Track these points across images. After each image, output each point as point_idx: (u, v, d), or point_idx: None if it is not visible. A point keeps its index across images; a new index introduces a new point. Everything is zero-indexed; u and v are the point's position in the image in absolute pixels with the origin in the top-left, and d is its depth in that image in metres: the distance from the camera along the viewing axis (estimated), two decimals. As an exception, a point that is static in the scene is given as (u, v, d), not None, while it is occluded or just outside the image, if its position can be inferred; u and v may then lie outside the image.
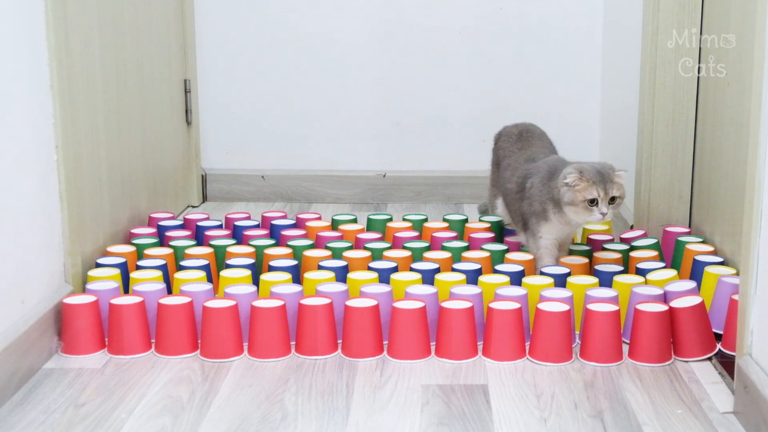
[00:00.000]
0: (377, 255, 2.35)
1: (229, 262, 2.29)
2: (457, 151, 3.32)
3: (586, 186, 2.11)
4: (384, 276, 2.19)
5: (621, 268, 2.26)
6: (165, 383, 1.85)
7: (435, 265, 2.24)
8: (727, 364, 1.90)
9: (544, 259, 2.27)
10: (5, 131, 1.84)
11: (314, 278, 2.13)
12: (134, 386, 1.84)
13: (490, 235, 2.52)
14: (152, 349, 2.00)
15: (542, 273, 2.21)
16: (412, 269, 2.24)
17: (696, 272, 2.21)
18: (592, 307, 1.95)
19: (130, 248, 2.36)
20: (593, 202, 2.11)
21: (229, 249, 2.37)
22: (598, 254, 2.36)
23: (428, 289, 2.09)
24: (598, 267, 2.25)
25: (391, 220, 2.67)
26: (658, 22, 2.47)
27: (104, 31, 2.38)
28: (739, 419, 1.69)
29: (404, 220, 2.69)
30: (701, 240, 2.40)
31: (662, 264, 2.29)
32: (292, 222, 2.65)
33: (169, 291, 2.17)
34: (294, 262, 2.28)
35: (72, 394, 1.81)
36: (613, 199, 2.12)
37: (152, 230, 2.58)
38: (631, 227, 2.67)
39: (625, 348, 1.97)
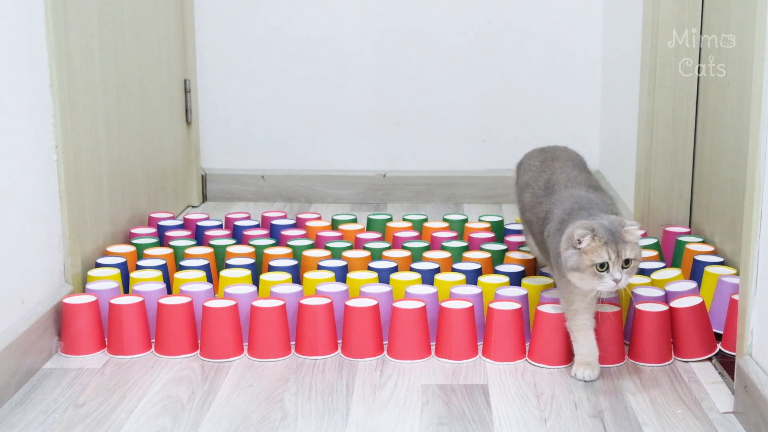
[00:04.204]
0: (377, 255, 2.35)
1: (229, 262, 2.29)
2: (457, 151, 3.32)
3: (596, 247, 1.76)
4: (384, 276, 2.19)
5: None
6: (165, 383, 1.85)
7: (435, 265, 2.24)
8: (727, 364, 1.90)
9: (579, 342, 1.87)
10: (5, 131, 1.84)
11: (314, 278, 2.13)
12: (134, 386, 1.84)
13: (490, 235, 2.52)
14: (152, 349, 2.00)
15: (542, 273, 2.21)
16: (412, 269, 2.24)
17: (696, 272, 2.21)
18: (592, 307, 1.95)
19: (130, 248, 2.36)
20: (603, 266, 1.76)
21: (229, 249, 2.37)
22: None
23: (428, 289, 2.09)
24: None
25: (391, 220, 2.67)
26: (658, 22, 2.47)
27: (104, 31, 2.38)
28: (739, 419, 1.69)
29: (404, 220, 2.69)
30: (701, 240, 2.40)
31: (662, 264, 2.29)
32: (292, 222, 2.65)
33: (169, 291, 2.17)
34: (294, 262, 2.28)
35: (72, 394, 1.81)
36: (627, 262, 1.77)
37: (152, 230, 2.58)
38: (631, 227, 2.67)
39: (625, 348, 1.97)
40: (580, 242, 1.76)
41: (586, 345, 1.86)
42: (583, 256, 1.76)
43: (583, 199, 1.91)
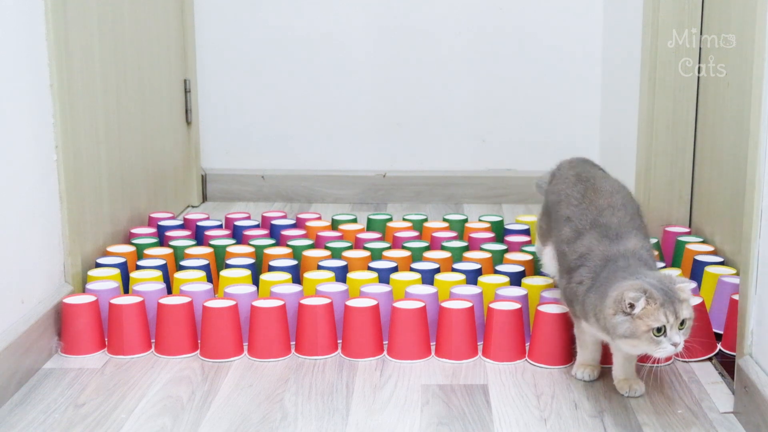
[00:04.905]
0: (377, 255, 2.35)
1: (229, 262, 2.29)
2: (457, 151, 3.32)
3: (652, 310, 1.60)
4: (384, 276, 2.19)
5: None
6: (165, 383, 1.85)
7: (435, 265, 2.24)
8: (727, 364, 1.90)
9: (584, 351, 1.85)
10: (5, 131, 1.84)
11: (314, 278, 2.13)
12: (134, 386, 1.84)
13: (490, 235, 2.52)
14: (152, 349, 2.00)
15: (541, 273, 2.21)
16: (412, 269, 2.24)
17: (696, 272, 2.21)
18: (592, 307, 1.94)
19: (130, 248, 2.36)
20: (660, 330, 1.61)
21: (229, 249, 2.37)
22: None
23: (428, 289, 2.09)
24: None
25: (391, 220, 2.67)
26: (658, 22, 2.47)
27: (104, 31, 2.38)
28: (739, 419, 1.69)
29: (404, 220, 2.69)
30: (701, 240, 2.40)
31: (662, 264, 2.29)
32: (292, 222, 2.65)
33: (169, 291, 2.17)
34: (294, 262, 2.28)
35: (72, 394, 1.81)
36: (682, 323, 1.62)
37: (152, 230, 2.58)
38: (631, 227, 2.66)
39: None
40: (632, 306, 1.61)
41: (589, 352, 1.85)
42: (638, 322, 1.60)
43: (620, 257, 1.74)
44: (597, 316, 1.69)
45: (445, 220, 2.69)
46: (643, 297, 1.59)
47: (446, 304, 1.97)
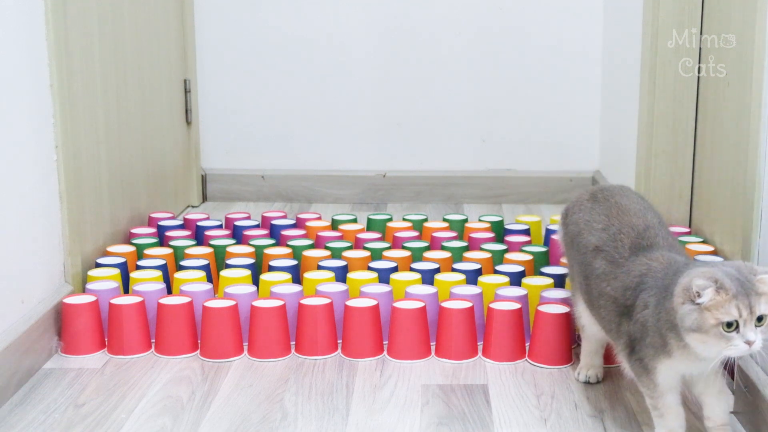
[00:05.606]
0: (377, 255, 2.35)
1: (229, 262, 2.29)
2: (457, 151, 3.32)
3: (722, 301, 1.41)
4: (384, 276, 2.19)
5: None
6: (165, 383, 1.85)
7: (435, 265, 2.24)
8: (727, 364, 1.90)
9: (667, 418, 1.57)
10: (5, 131, 1.84)
11: (314, 278, 2.13)
12: (134, 386, 1.84)
13: (490, 235, 2.52)
14: (152, 349, 2.00)
15: (541, 273, 2.21)
16: (412, 269, 2.24)
17: (696, 272, 2.21)
18: (592, 307, 1.94)
19: (130, 248, 2.36)
20: (731, 326, 1.41)
21: (229, 249, 2.37)
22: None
23: (428, 289, 2.09)
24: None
25: (391, 220, 2.67)
26: (658, 22, 2.46)
27: (104, 31, 2.38)
28: (739, 419, 1.69)
29: (404, 220, 2.69)
30: (701, 240, 2.40)
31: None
32: (292, 222, 2.65)
33: (169, 291, 2.17)
34: (294, 262, 2.28)
35: (72, 394, 1.81)
36: (760, 319, 1.42)
37: (152, 230, 2.58)
38: (631, 227, 2.66)
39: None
40: (700, 295, 1.42)
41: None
42: (706, 314, 1.41)
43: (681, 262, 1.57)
44: (670, 317, 1.48)
45: (445, 220, 2.69)
46: (713, 286, 1.41)
47: (446, 304, 1.97)
